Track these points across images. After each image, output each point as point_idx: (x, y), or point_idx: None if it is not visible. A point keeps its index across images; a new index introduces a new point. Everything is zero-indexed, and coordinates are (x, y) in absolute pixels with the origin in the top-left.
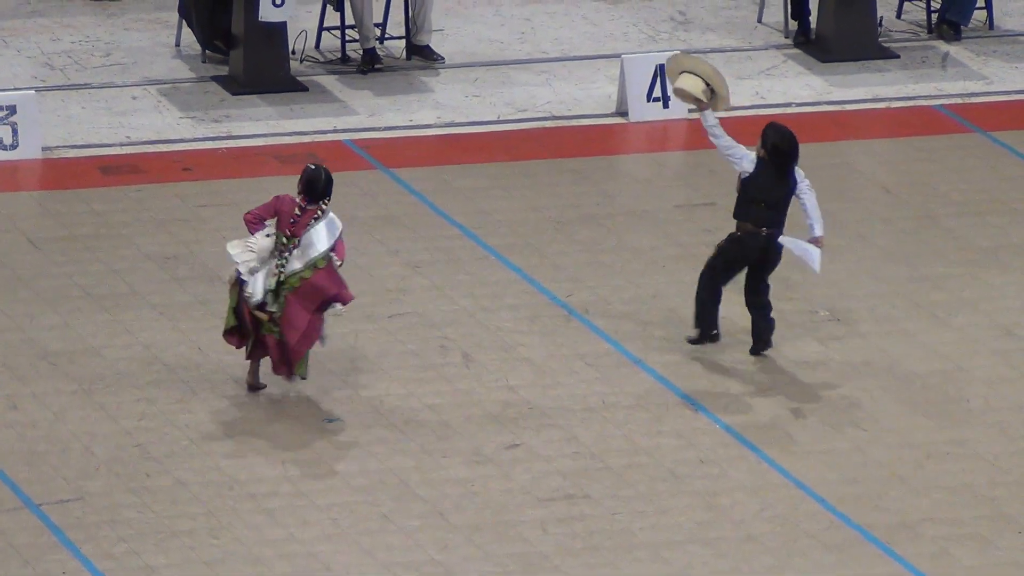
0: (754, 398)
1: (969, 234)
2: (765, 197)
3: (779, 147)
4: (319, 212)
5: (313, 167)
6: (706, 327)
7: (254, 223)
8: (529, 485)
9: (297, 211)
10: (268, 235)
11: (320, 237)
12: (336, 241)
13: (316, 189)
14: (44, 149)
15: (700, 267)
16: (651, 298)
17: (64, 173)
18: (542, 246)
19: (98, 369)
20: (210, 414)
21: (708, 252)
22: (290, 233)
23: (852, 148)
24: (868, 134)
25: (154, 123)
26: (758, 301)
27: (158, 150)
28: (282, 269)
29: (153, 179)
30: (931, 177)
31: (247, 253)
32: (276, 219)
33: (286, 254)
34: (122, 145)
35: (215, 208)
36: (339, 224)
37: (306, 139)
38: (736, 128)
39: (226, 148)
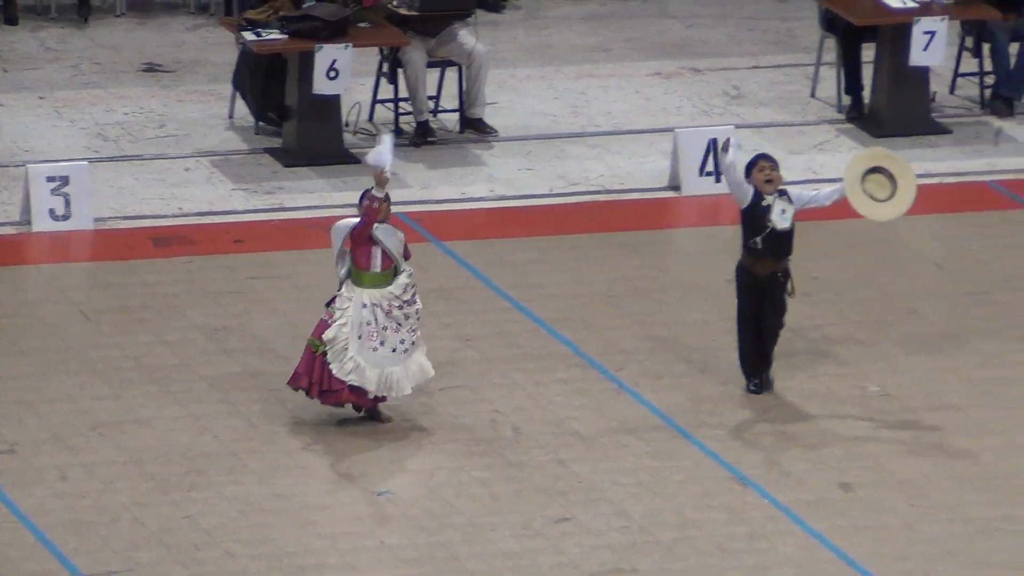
0: (804, 473)
1: (1021, 310)
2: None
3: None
4: None
5: None
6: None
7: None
8: (579, 559)
9: None
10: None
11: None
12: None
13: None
14: (96, 220)
15: None
16: (701, 372)
17: (116, 244)
18: (593, 320)
19: (148, 440)
20: (260, 486)
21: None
22: None
23: (904, 223)
24: (920, 209)
25: (206, 195)
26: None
27: (210, 221)
28: None
29: (204, 251)
30: (983, 253)
31: None
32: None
33: None
34: (174, 216)
35: (266, 280)
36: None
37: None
38: None
39: (278, 220)
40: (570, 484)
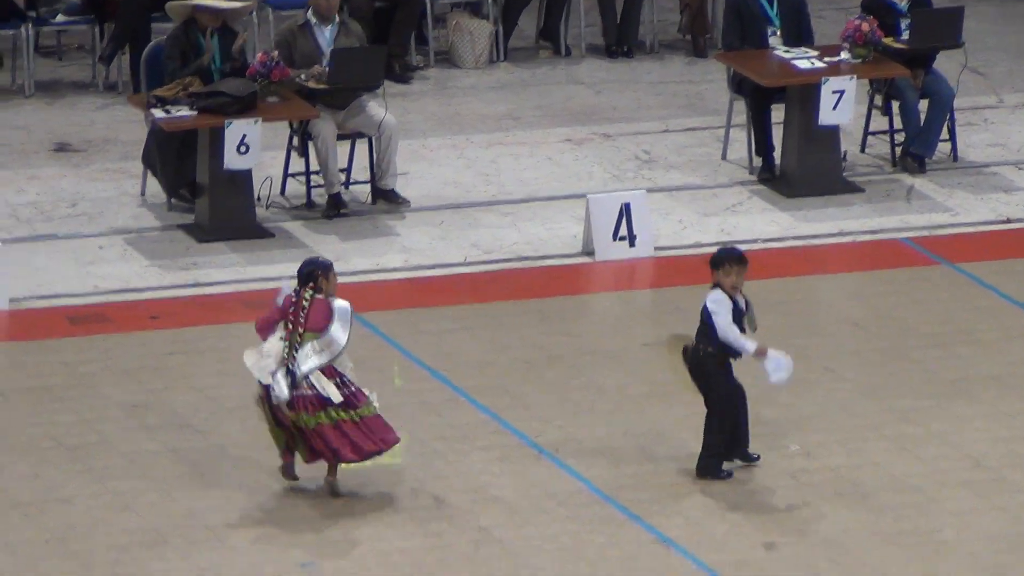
0: (727, 534)
1: (937, 366)
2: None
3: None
4: (306, 295)
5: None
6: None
7: (265, 330)
8: None
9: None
10: (280, 338)
11: (337, 330)
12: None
13: (301, 274)
14: (12, 301)
15: (670, 404)
16: (621, 436)
17: (32, 324)
18: (511, 387)
19: (69, 519)
20: (183, 561)
21: (674, 389)
22: (292, 322)
23: (819, 283)
24: (835, 268)
25: (121, 272)
26: None
27: (125, 299)
28: (294, 360)
29: (121, 328)
30: (899, 310)
31: (263, 360)
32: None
33: (295, 345)
34: (89, 295)
35: (183, 356)
36: (347, 307)
37: (273, 285)
38: (702, 264)
39: (194, 296)
40: (493, 551)
